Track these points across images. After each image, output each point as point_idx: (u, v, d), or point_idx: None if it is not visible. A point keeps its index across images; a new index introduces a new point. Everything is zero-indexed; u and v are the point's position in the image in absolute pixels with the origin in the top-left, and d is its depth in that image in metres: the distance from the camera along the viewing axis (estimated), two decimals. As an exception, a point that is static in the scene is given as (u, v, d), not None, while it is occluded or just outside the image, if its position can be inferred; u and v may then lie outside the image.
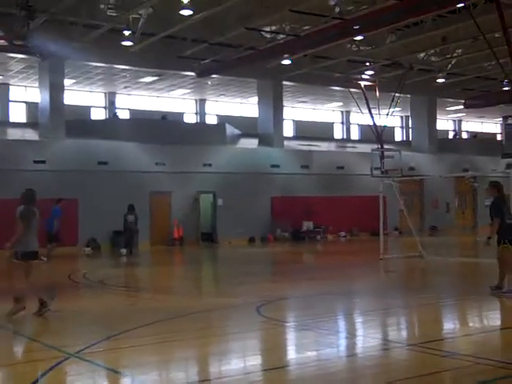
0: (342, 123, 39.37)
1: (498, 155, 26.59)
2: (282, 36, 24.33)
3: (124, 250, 21.74)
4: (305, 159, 29.81)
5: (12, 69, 26.50)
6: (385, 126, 27.20)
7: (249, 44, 24.98)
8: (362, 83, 27.35)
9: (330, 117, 38.99)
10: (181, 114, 33.43)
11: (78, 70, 26.84)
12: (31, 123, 27.05)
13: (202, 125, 32.19)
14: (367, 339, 7.89)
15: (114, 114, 30.20)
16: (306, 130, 35.33)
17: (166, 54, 25.29)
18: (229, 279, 15.09)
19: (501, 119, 28.91)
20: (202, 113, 34.34)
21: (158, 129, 27.03)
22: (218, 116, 34.37)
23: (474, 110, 36.20)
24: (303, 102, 36.07)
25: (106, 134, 25.37)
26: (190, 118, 33.88)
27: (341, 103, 36.57)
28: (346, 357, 7.10)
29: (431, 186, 32.92)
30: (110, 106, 31.37)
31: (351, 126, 39.41)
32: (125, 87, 30.76)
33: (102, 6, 21.30)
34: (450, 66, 29.88)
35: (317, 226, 28.40)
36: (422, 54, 28.56)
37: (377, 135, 26.46)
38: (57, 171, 23.33)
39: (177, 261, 22.46)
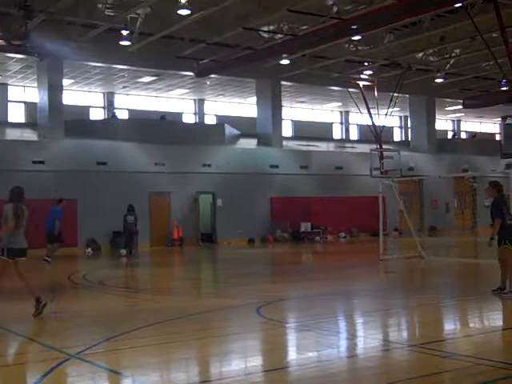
0: (341, 123, 39.38)
1: (497, 155, 26.60)
2: (279, 36, 24.34)
3: (124, 251, 21.73)
4: (304, 159, 29.83)
5: (10, 69, 26.48)
6: (384, 126, 27.24)
7: (247, 44, 25.00)
8: (361, 83, 27.39)
9: (329, 117, 38.98)
10: (179, 114, 33.42)
11: (77, 69, 26.83)
12: (30, 123, 27.06)
13: (200, 125, 32.19)
14: (368, 340, 7.88)
15: (113, 114, 30.19)
16: (304, 131, 35.34)
17: (165, 54, 25.29)
18: (228, 280, 15.08)
19: (499, 119, 28.97)
20: (200, 113, 34.34)
21: (156, 129, 27.02)
22: (217, 116, 34.36)
23: (472, 110, 36.28)
24: (302, 102, 36.08)
25: (105, 134, 25.39)
26: (189, 118, 33.87)
27: (339, 103, 36.57)
28: (347, 358, 7.08)
29: (430, 186, 32.93)
30: (109, 106, 31.36)
31: (350, 126, 39.41)
32: (123, 87, 30.76)
33: (99, 6, 21.31)
34: (448, 65, 29.91)
35: (316, 226, 28.40)
36: (420, 54, 28.58)
37: (376, 135, 26.50)
38: (56, 171, 23.33)
39: (176, 261, 22.46)
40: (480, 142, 38.23)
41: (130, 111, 31.84)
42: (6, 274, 9.31)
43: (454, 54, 28.58)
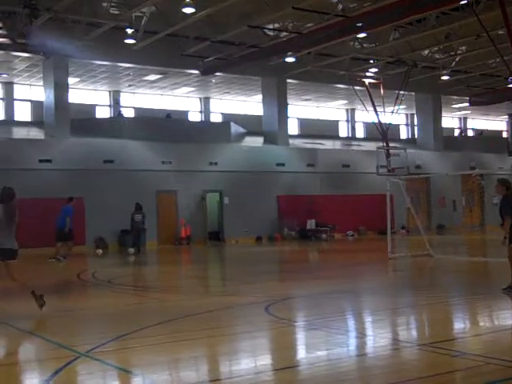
0: (347, 121, 39.31)
1: (505, 152, 26.50)
2: (284, 34, 24.32)
3: (132, 249, 21.78)
4: (310, 157, 29.80)
5: (16, 67, 26.55)
6: (390, 124, 27.18)
7: (252, 42, 25.01)
8: (367, 81, 27.31)
9: (335, 115, 38.92)
10: (185, 113, 33.45)
11: (83, 68, 26.88)
12: (36, 122, 27.12)
13: (206, 123, 32.20)
14: (377, 339, 7.86)
15: (119, 113, 30.23)
16: (310, 128, 35.31)
17: (170, 52, 25.32)
18: (236, 278, 15.09)
19: (506, 116, 28.87)
20: (206, 111, 34.36)
21: (162, 127, 27.05)
22: (223, 114, 34.36)
23: (479, 107, 36.18)
24: (307, 99, 36.05)
25: (111, 132, 25.44)
26: (195, 117, 33.89)
27: (345, 101, 36.52)
28: (356, 356, 7.07)
29: (438, 184, 32.83)
30: (115, 104, 31.41)
31: (356, 123, 39.33)
32: (129, 85, 30.81)
33: (104, 4, 21.32)
34: (454, 63, 29.81)
35: (323, 224, 28.38)
36: (425, 52, 28.51)
37: (382, 133, 26.43)
38: (62, 170, 23.38)
39: (184, 260, 22.48)
40: (487, 139, 38.09)
41: (136, 109, 31.88)
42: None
43: (459, 52, 28.50)
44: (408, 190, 19.92)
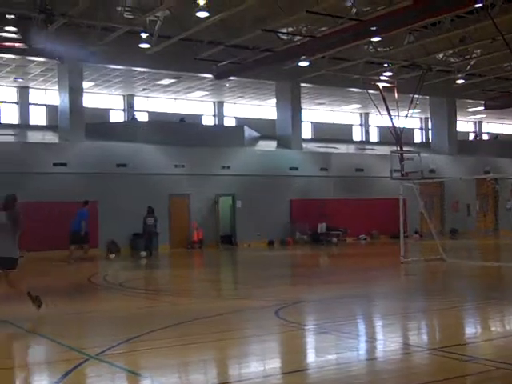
0: (361, 125, 39.21)
1: (519, 157, 26.28)
2: (298, 37, 24.31)
3: (144, 253, 21.84)
4: (323, 161, 29.74)
5: (31, 72, 26.78)
6: (404, 128, 27.07)
7: (265, 46, 25.01)
8: (381, 85, 27.25)
9: (349, 119, 38.85)
10: (199, 117, 33.53)
11: (97, 72, 27.05)
12: (51, 126, 27.31)
13: (220, 127, 32.25)
14: (387, 343, 7.82)
15: (133, 117, 30.38)
16: (324, 132, 35.26)
17: (184, 56, 25.40)
18: (248, 282, 15.11)
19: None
20: (220, 115, 34.42)
21: (176, 131, 27.13)
22: (237, 118, 34.41)
23: (494, 110, 35.91)
24: (321, 103, 36.01)
25: (125, 136, 25.55)
26: (209, 121, 33.97)
27: (359, 105, 36.44)
28: (366, 360, 7.04)
29: (452, 188, 32.62)
30: (129, 108, 31.58)
31: (370, 127, 39.22)
32: (143, 90, 30.95)
33: (118, 9, 21.45)
34: (468, 66, 29.63)
35: (335, 228, 28.32)
36: (440, 55, 28.36)
37: (396, 137, 26.35)
38: (76, 174, 23.51)
39: (196, 263, 22.51)
40: (502, 143, 37.81)
41: (150, 113, 32.03)
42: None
43: (474, 55, 28.32)
44: (422, 195, 19.85)
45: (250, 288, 13.58)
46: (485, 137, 43.78)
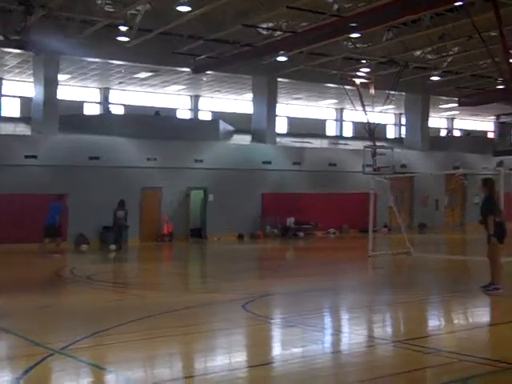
0: (336, 120, 39.37)
1: (490, 153, 26.70)
2: (278, 33, 24.30)
3: (113, 246, 21.68)
4: (297, 156, 29.78)
5: (7, 63, 26.39)
6: (378, 124, 27.24)
7: (246, 41, 24.93)
8: (358, 80, 27.35)
9: (324, 114, 38.97)
10: (175, 110, 33.38)
11: (73, 65, 26.75)
12: (24, 118, 26.98)
13: (195, 121, 32.12)
14: (352, 336, 7.91)
15: (108, 110, 30.10)
16: (299, 127, 35.31)
17: (162, 50, 25.21)
18: (216, 275, 15.10)
19: (493, 117, 29.07)
20: (196, 109, 34.31)
21: (151, 124, 26.94)
22: (213, 112, 34.33)
23: (467, 107, 36.27)
24: (298, 98, 36.06)
25: (100, 129, 25.31)
26: (185, 114, 33.83)
27: (335, 100, 36.55)
28: (331, 353, 7.12)
29: (422, 183, 32.94)
30: (105, 101, 31.31)
31: (345, 123, 39.41)
32: (119, 83, 30.70)
33: (99, 2, 21.22)
34: (445, 64, 29.87)
35: (305, 222, 28.44)
36: (418, 52, 28.52)
37: (369, 132, 26.51)
38: (47, 166, 23.23)
39: (165, 257, 22.44)
40: (473, 139, 38.28)
41: (126, 107, 31.80)
42: None
43: (451, 53, 28.54)
44: (392, 189, 19.98)
45: (219, 281, 13.59)
46: (456, 133, 44.28)
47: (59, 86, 25.05)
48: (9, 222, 21.13)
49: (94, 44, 23.56)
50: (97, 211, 23.11)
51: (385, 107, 26.30)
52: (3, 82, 28.80)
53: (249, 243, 25.58)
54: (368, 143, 25.86)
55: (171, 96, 33.47)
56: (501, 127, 21.38)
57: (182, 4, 20.29)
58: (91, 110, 31.06)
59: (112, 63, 26.80)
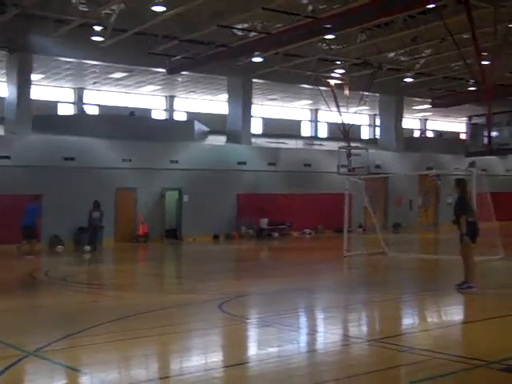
0: (311, 121, 39.55)
1: (462, 153, 27.01)
2: (253, 34, 24.33)
3: (88, 247, 21.50)
4: (272, 156, 29.85)
5: (-20, 63, 26.02)
6: (352, 125, 27.43)
7: (221, 41, 24.93)
8: (333, 82, 27.50)
9: (299, 114, 39.12)
10: (149, 111, 33.24)
11: (47, 64, 26.49)
12: (-4, 118, 26.65)
13: (170, 121, 32.01)
14: (328, 335, 7.96)
15: (82, 110, 29.83)
16: (274, 128, 35.40)
17: (137, 50, 25.08)
18: (192, 276, 15.06)
19: (465, 118, 29.43)
20: (171, 109, 34.19)
21: (125, 125, 26.80)
22: (188, 113, 34.25)
23: (440, 109, 36.72)
24: (273, 99, 36.15)
25: (74, 129, 25.10)
26: (160, 115, 33.70)
27: (310, 101, 36.72)
28: (307, 352, 7.16)
29: (396, 183, 33.27)
30: (79, 101, 31.03)
31: (319, 123, 39.60)
32: (94, 83, 30.46)
33: (73, 1, 21.02)
34: (418, 65, 30.20)
35: (279, 223, 28.53)
36: (391, 54, 28.78)
37: (344, 133, 26.68)
38: (20, 167, 22.98)
39: (141, 258, 22.31)
40: (445, 140, 38.74)
41: (101, 107, 31.56)
42: None
43: (424, 55, 28.87)
44: (367, 189, 20.13)
45: (194, 282, 13.56)
46: (429, 134, 44.80)
47: (33, 86, 24.80)
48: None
49: (69, 43, 23.34)
50: (72, 212, 22.94)
51: (359, 108, 26.52)
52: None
53: (224, 244, 25.58)
54: (343, 144, 26.06)
55: (146, 96, 33.34)
56: (472, 128, 21.64)
57: (156, 4, 20.21)
58: (65, 110, 30.79)
59: (86, 63, 26.60)
